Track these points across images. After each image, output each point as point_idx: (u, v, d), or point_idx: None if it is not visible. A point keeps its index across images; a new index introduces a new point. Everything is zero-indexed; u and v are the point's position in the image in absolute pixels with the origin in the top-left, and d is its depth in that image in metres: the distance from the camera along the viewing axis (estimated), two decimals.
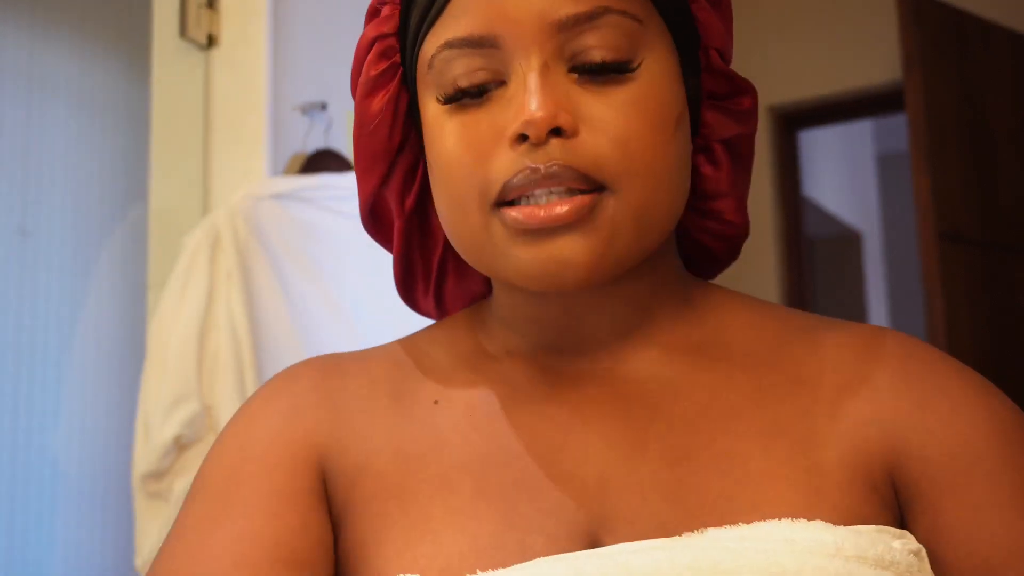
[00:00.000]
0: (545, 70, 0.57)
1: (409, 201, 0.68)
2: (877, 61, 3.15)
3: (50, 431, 1.92)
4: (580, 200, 0.56)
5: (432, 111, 0.61)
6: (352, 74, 0.67)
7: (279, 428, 0.63)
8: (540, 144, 0.56)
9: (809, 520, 0.54)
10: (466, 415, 0.64)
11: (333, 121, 1.95)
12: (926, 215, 2.55)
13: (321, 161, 1.89)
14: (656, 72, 0.59)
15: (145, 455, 1.60)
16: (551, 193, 0.56)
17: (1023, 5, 2.94)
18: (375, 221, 0.71)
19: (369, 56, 0.65)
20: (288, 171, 1.88)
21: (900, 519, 0.59)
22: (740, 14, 3.80)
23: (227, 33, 1.89)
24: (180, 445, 1.61)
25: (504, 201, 0.58)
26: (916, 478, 0.58)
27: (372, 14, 0.65)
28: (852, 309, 4.57)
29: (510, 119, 0.57)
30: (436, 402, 0.65)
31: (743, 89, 0.67)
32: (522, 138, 0.57)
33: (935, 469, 0.58)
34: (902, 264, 4.87)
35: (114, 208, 2.07)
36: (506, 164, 0.57)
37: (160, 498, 1.61)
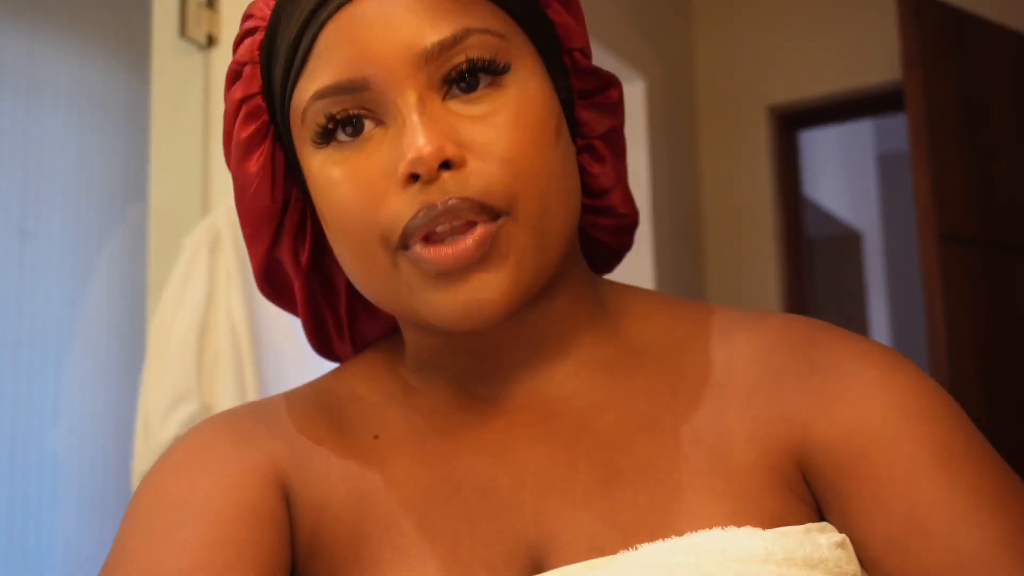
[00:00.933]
0: (422, 104, 0.56)
1: (304, 258, 0.67)
2: (877, 61, 3.15)
3: (50, 430, 1.92)
4: (482, 231, 0.56)
5: (314, 163, 0.60)
6: (224, 140, 0.66)
7: (230, 458, 0.60)
8: (432, 180, 0.55)
9: (738, 527, 0.55)
10: (406, 449, 0.64)
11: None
12: (926, 215, 2.55)
13: None
14: (527, 82, 0.59)
15: (145, 455, 1.60)
16: (453, 229, 0.56)
17: (1023, 5, 2.94)
18: (272, 286, 0.70)
19: (238, 120, 0.63)
20: None
21: (819, 512, 0.59)
22: (740, 13, 3.80)
23: (227, 33, 1.89)
24: None
25: (407, 244, 0.57)
26: (823, 468, 0.58)
27: (233, 77, 0.64)
28: (852, 309, 4.57)
29: (396, 159, 0.56)
30: (376, 437, 0.65)
31: (609, 82, 0.67)
32: (413, 177, 0.56)
33: (837, 456, 0.58)
34: (902, 264, 4.87)
35: (114, 208, 2.07)
36: (402, 206, 0.56)
37: None
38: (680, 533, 0.56)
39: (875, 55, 3.15)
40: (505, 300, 0.57)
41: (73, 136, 2.01)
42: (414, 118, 0.56)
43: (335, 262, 0.69)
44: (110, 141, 2.07)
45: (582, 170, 0.67)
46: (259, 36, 0.62)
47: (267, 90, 0.63)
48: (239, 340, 1.67)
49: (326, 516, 0.61)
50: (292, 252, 0.67)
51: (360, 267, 0.60)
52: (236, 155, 0.64)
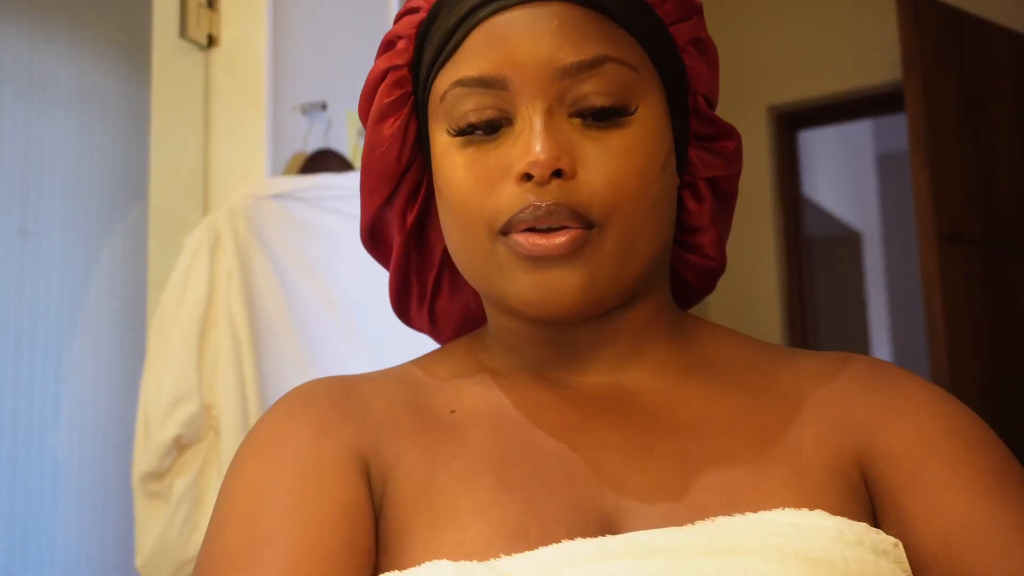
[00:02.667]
0: (549, 114, 0.63)
1: (410, 219, 0.73)
2: (877, 61, 3.15)
3: (50, 431, 1.92)
4: (574, 234, 0.62)
5: (442, 141, 0.66)
6: (362, 101, 0.73)
7: (317, 455, 0.64)
8: (543, 183, 0.62)
9: (798, 508, 0.59)
10: (483, 420, 0.68)
11: (333, 121, 1.95)
12: (925, 215, 2.55)
13: (321, 161, 1.89)
14: (648, 118, 0.65)
15: (145, 455, 1.60)
16: (550, 230, 0.62)
17: (1023, 5, 2.94)
18: (374, 240, 0.77)
19: (383, 85, 0.70)
20: (288, 171, 1.88)
21: (874, 518, 0.64)
22: (740, 13, 3.79)
23: (227, 33, 1.89)
24: (180, 445, 1.61)
25: (508, 231, 0.63)
26: (883, 474, 0.63)
27: (387, 46, 0.71)
28: (852, 309, 4.57)
29: (516, 157, 0.63)
30: (453, 411, 0.69)
31: (727, 133, 0.72)
32: (527, 177, 0.62)
33: (897, 463, 0.63)
34: (901, 264, 4.87)
35: (114, 208, 2.07)
36: (512, 199, 0.63)
37: (160, 498, 1.61)
38: (752, 512, 0.59)
39: (875, 55, 3.15)
40: (578, 296, 0.63)
41: (73, 136, 2.01)
42: (538, 125, 0.62)
43: (436, 232, 0.75)
44: (110, 141, 2.07)
45: (680, 205, 0.72)
46: (420, 16, 0.69)
47: (415, 65, 0.69)
48: (239, 340, 1.67)
49: (397, 474, 0.65)
50: (402, 212, 0.73)
51: (462, 242, 0.66)
52: (374, 117, 0.71)
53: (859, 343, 4.51)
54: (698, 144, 0.71)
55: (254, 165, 1.84)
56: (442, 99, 0.66)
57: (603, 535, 0.60)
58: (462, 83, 0.64)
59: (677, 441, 0.65)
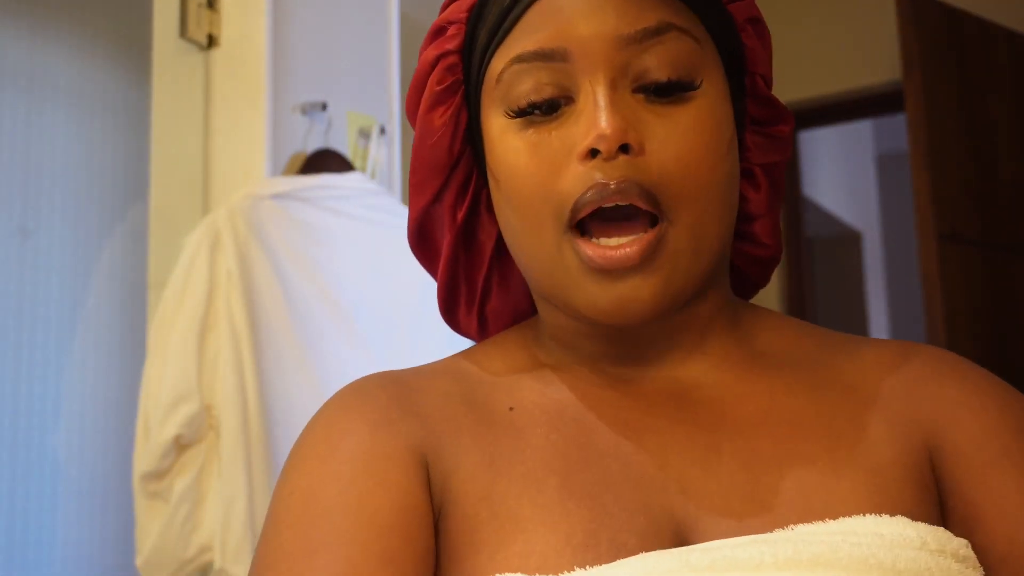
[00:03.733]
0: (613, 87, 0.60)
1: (460, 215, 0.70)
2: (877, 61, 3.15)
3: (50, 431, 1.92)
4: (646, 239, 0.59)
5: (499, 125, 0.63)
6: (411, 91, 0.69)
7: (374, 452, 0.62)
8: (610, 159, 0.58)
9: (879, 515, 0.57)
10: (542, 419, 0.65)
11: (333, 121, 1.95)
12: (925, 215, 2.55)
13: (321, 161, 1.89)
14: (712, 94, 0.62)
15: (145, 455, 1.60)
16: (616, 207, 0.59)
17: (1023, 5, 2.94)
18: (422, 240, 0.73)
19: (434, 72, 0.67)
20: (288, 171, 1.88)
21: (941, 515, 0.62)
22: None
23: (227, 33, 1.89)
24: (180, 445, 1.61)
25: (577, 221, 0.60)
26: (951, 471, 0.61)
27: (437, 33, 0.67)
28: (852, 309, 4.57)
29: (580, 135, 0.60)
30: (511, 408, 0.66)
31: (782, 116, 0.70)
32: (593, 153, 0.59)
33: (967, 460, 0.61)
34: (901, 264, 4.87)
35: (114, 208, 2.07)
36: (577, 179, 0.59)
37: (160, 498, 1.61)
38: (829, 519, 0.57)
39: (875, 55, 3.15)
40: (655, 302, 0.60)
41: (73, 136, 2.01)
42: (603, 99, 0.59)
43: (485, 231, 0.71)
44: (110, 141, 2.07)
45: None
46: (471, 1, 0.66)
47: (466, 50, 0.66)
48: (239, 340, 1.67)
49: (457, 478, 0.62)
50: (452, 207, 0.70)
51: (526, 238, 0.63)
52: (425, 105, 0.67)
53: None
54: (753, 129, 0.69)
55: (254, 165, 1.84)
56: (498, 80, 0.63)
57: (676, 544, 0.58)
58: (520, 59, 0.62)
59: (745, 440, 0.62)
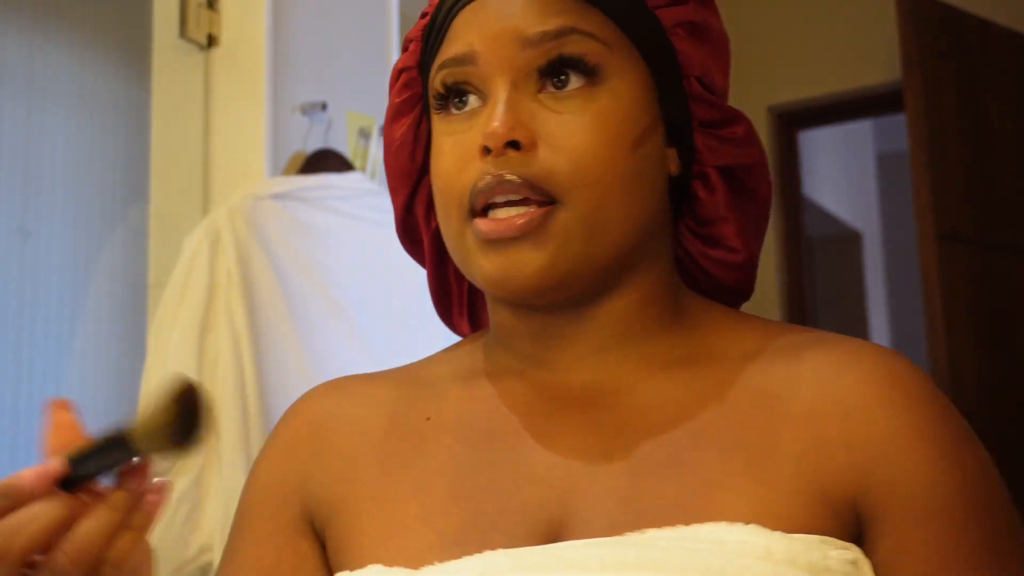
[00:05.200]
0: (513, 87, 0.64)
1: (434, 222, 0.73)
2: (877, 61, 3.15)
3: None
4: (532, 213, 0.62)
5: (436, 129, 0.68)
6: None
7: (274, 467, 0.74)
8: (500, 155, 0.63)
9: (746, 523, 0.58)
10: (452, 428, 0.70)
11: (333, 121, 1.95)
12: (925, 215, 2.55)
13: (321, 161, 1.90)
14: (620, 92, 0.65)
15: None
16: (509, 202, 0.63)
17: (1023, 5, 2.94)
18: (409, 237, 0.77)
19: (396, 86, 0.73)
20: (288, 171, 1.88)
21: (856, 537, 0.61)
22: (740, 14, 3.79)
23: (227, 33, 1.89)
24: None
25: (475, 210, 0.64)
26: (882, 503, 0.61)
27: (403, 49, 0.73)
28: (852, 309, 4.57)
29: (480, 134, 0.64)
30: (428, 419, 0.71)
31: (734, 118, 0.71)
32: (487, 150, 0.63)
33: (902, 501, 0.61)
34: (902, 264, 4.86)
35: (114, 208, 2.07)
36: (475, 173, 0.64)
37: None
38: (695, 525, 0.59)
39: (875, 55, 3.15)
40: (539, 274, 0.63)
41: (73, 136, 2.01)
42: (501, 98, 0.64)
43: None
44: (110, 141, 2.07)
45: (692, 196, 0.71)
46: (426, 20, 0.71)
47: (422, 66, 0.71)
48: (239, 340, 1.67)
49: (349, 481, 0.70)
50: (425, 214, 0.75)
51: (445, 228, 0.68)
52: (387, 117, 0.74)
53: None
54: (704, 131, 0.70)
55: (254, 165, 1.84)
56: (432, 87, 0.68)
57: (548, 543, 0.61)
58: (443, 66, 0.67)
59: (641, 447, 0.64)
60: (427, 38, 0.70)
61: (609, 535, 0.60)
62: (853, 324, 4.53)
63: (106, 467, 0.53)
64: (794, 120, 3.39)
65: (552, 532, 0.62)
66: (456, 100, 0.67)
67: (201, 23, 1.87)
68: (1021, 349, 2.67)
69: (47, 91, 1.97)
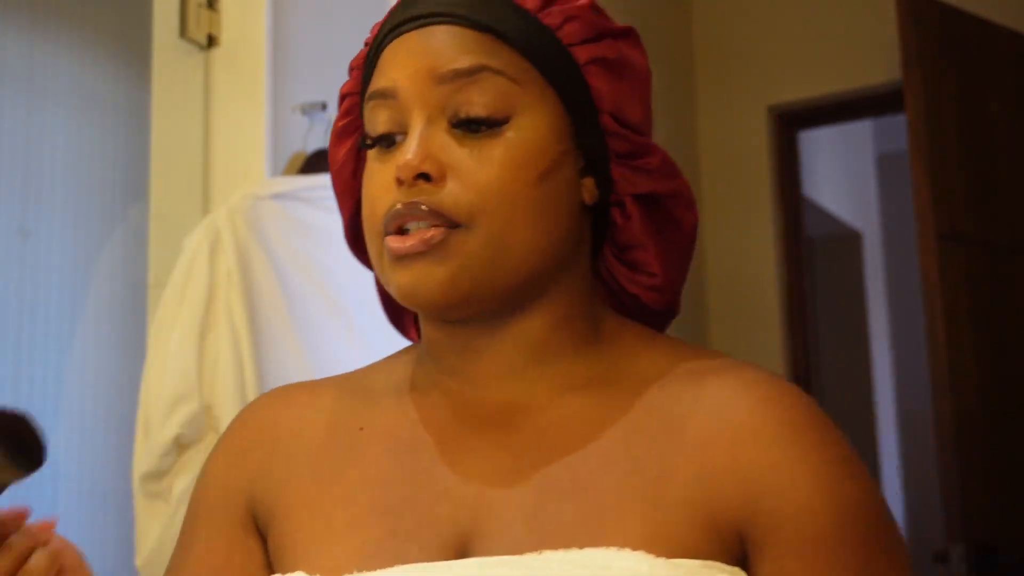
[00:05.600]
0: (428, 122, 0.69)
1: None
2: (877, 61, 3.15)
3: (50, 431, 1.92)
4: (429, 233, 0.67)
5: (368, 155, 0.73)
6: None
7: (222, 470, 0.79)
8: (411, 186, 0.68)
9: (634, 550, 0.62)
10: (382, 440, 0.74)
11: (333, 121, 1.95)
12: (925, 215, 2.55)
13: (321, 161, 1.89)
14: (529, 127, 0.69)
15: (145, 455, 1.60)
16: (417, 226, 0.68)
17: (1023, 5, 2.94)
18: (357, 244, 0.81)
19: (340, 111, 0.79)
20: (288, 171, 1.88)
21: (742, 560, 0.66)
22: (740, 14, 3.78)
23: (227, 33, 1.89)
24: (180, 445, 1.61)
25: (389, 232, 0.69)
26: (764, 531, 0.65)
27: (349, 74, 0.79)
28: (852, 309, 4.57)
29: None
30: (361, 429, 0.76)
31: (647, 150, 0.75)
32: (399, 181, 0.68)
33: (783, 529, 0.64)
34: (902, 264, 4.86)
35: (114, 208, 2.07)
36: (389, 201, 0.69)
37: (160, 498, 1.61)
38: (589, 548, 0.63)
39: (875, 55, 3.15)
40: (441, 289, 0.68)
41: (73, 136, 2.01)
42: (415, 133, 0.69)
43: None
44: (110, 141, 2.07)
45: (612, 222, 0.76)
46: (366, 49, 0.76)
47: (363, 93, 0.76)
48: (239, 340, 1.67)
49: (287, 488, 0.75)
50: None
51: (368, 248, 0.73)
52: (331, 139, 0.79)
53: (859, 343, 4.51)
54: (620, 162, 0.74)
55: (254, 165, 1.84)
56: (364, 116, 0.73)
57: (458, 558, 0.66)
58: (370, 96, 0.72)
59: (549, 467, 0.68)
60: (366, 67, 0.76)
61: (513, 553, 0.64)
62: (853, 324, 4.53)
63: None
64: (794, 120, 3.39)
65: (462, 547, 0.67)
66: (383, 142, 0.72)
67: (201, 23, 1.87)
68: (1021, 349, 2.67)
69: (47, 91, 1.97)
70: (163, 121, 1.91)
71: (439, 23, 0.70)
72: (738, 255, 3.27)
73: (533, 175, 0.69)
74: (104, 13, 2.10)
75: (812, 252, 4.00)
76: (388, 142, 0.71)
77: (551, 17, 0.71)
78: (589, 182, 0.74)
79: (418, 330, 0.81)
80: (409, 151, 0.68)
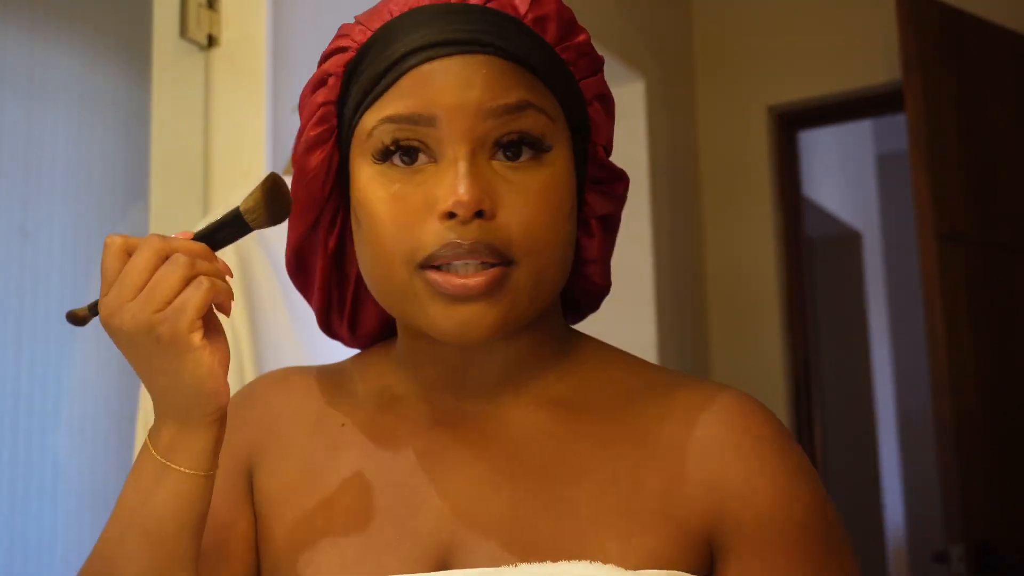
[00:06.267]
0: (473, 157, 0.67)
1: (332, 243, 0.78)
2: (877, 61, 3.15)
3: (50, 431, 1.92)
4: (492, 274, 0.67)
5: (366, 174, 0.71)
6: (298, 133, 0.78)
7: (228, 436, 0.77)
8: (466, 223, 0.66)
9: (606, 563, 0.64)
10: (361, 441, 0.76)
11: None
12: (925, 215, 2.55)
13: None
14: (561, 164, 0.71)
15: None
16: (467, 264, 0.67)
17: (1023, 5, 2.94)
18: (299, 265, 0.82)
19: (313, 119, 0.75)
20: (288, 171, 1.88)
21: (709, 565, 0.70)
22: (740, 14, 3.79)
23: (227, 33, 1.89)
24: None
25: (427, 265, 0.68)
26: (729, 536, 0.69)
27: (318, 83, 0.75)
28: (852, 309, 4.57)
29: (441, 196, 0.67)
30: (343, 425, 0.77)
31: (619, 176, 0.78)
32: (451, 215, 0.66)
33: (746, 534, 0.68)
34: (902, 264, 4.87)
35: (114, 208, 2.07)
36: (435, 236, 0.67)
37: None
38: (567, 560, 0.65)
39: (875, 55, 3.15)
40: (494, 328, 0.68)
41: (73, 136, 2.01)
42: (463, 166, 0.67)
43: (350, 257, 0.80)
44: (110, 141, 2.07)
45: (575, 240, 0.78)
46: (348, 56, 0.73)
47: (340, 101, 0.74)
48: (239, 340, 1.67)
49: (276, 477, 0.76)
50: (324, 235, 0.79)
51: (379, 271, 0.71)
52: (302, 147, 0.76)
53: (859, 343, 4.51)
54: (593, 187, 0.77)
55: (254, 165, 1.84)
56: (369, 135, 0.70)
57: (435, 569, 0.68)
58: (391, 120, 0.69)
59: (526, 480, 0.70)
60: (351, 77, 0.72)
61: (491, 566, 0.66)
62: (853, 324, 4.53)
63: (223, 239, 0.69)
64: (794, 120, 3.39)
65: (441, 559, 0.68)
66: (403, 155, 0.69)
67: (201, 23, 1.87)
68: (1021, 349, 2.67)
69: (47, 91, 1.97)
70: (163, 121, 1.91)
71: (479, 52, 0.68)
72: (738, 255, 3.27)
73: (565, 212, 0.71)
74: (104, 13, 2.10)
75: (812, 252, 4.00)
76: (408, 156, 0.69)
77: (568, 52, 0.72)
78: None
79: (351, 332, 0.84)
80: (461, 186, 0.66)
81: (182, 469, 0.68)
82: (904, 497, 4.59)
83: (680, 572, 0.66)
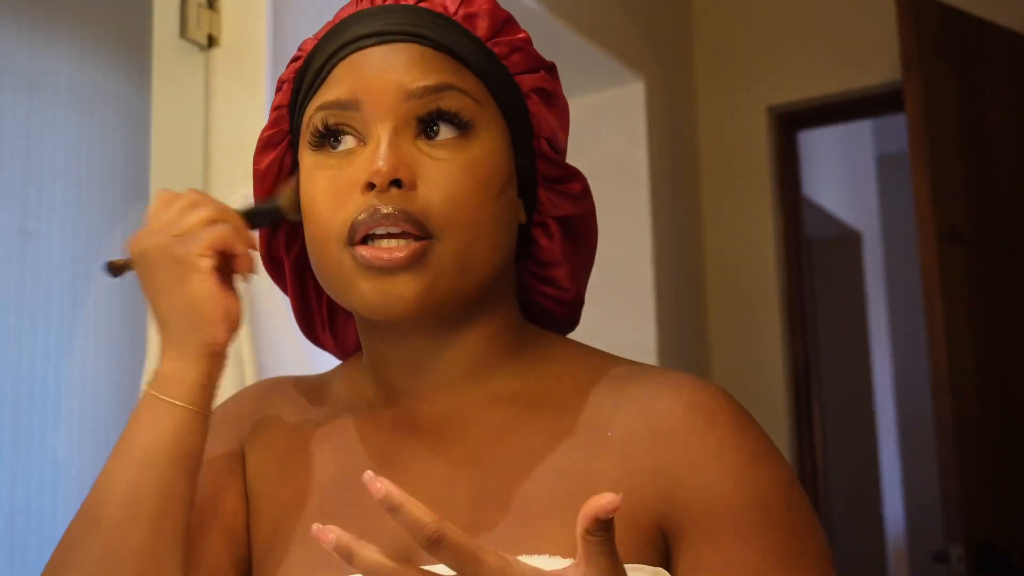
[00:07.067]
0: (395, 134, 0.71)
1: (295, 249, 0.82)
2: (877, 61, 3.15)
3: (50, 431, 1.92)
4: (414, 247, 0.69)
5: (307, 163, 0.75)
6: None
7: (221, 429, 0.83)
8: (383, 191, 0.69)
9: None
10: (333, 445, 0.79)
11: None
12: (925, 215, 2.55)
13: None
14: (488, 144, 0.73)
15: None
16: (389, 235, 0.69)
17: (1023, 5, 2.94)
18: (273, 263, 0.85)
19: (268, 123, 0.80)
20: None
21: (666, 556, 0.69)
22: (740, 14, 3.79)
23: (227, 33, 1.89)
24: None
25: (354, 240, 0.70)
26: (681, 523, 0.68)
27: (276, 90, 0.81)
28: (852, 309, 4.57)
29: (362, 171, 0.71)
30: (318, 426, 0.81)
31: (573, 176, 0.80)
32: (370, 186, 0.70)
33: (697, 519, 0.67)
34: (901, 264, 4.87)
35: (114, 208, 2.07)
36: (356, 206, 0.70)
37: None
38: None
39: (875, 55, 3.15)
40: (418, 301, 0.70)
41: (74, 136, 2.01)
42: (384, 142, 0.70)
43: None
44: (110, 141, 2.07)
45: (533, 241, 0.80)
46: (299, 64, 0.79)
47: (293, 105, 0.78)
48: (239, 340, 1.67)
49: (259, 479, 0.80)
50: (285, 242, 0.82)
51: (317, 255, 0.74)
52: (257, 148, 0.80)
53: (859, 343, 4.51)
54: (547, 186, 0.79)
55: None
56: (308, 125, 0.74)
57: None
58: (323, 107, 0.73)
59: (481, 478, 0.72)
60: (300, 80, 0.77)
61: None
62: (853, 324, 4.53)
63: (256, 222, 0.76)
64: (794, 120, 3.39)
65: (407, 555, 0.68)
66: (332, 140, 0.73)
67: (201, 23, 1.87)
68: (1021, 349, 2.67)
69: (47, 91, 1.97)
70: (163, 121, 1.91)
71: (403, 41, 0.73)
72: (738, 255, 3.27)
73: (493, 190, 0.72)
74: (104, 13, 2.10)
75: (812, 252, 4.00)
76: (336, 140, 0.73)
77: (500, 47, 0.75)
78: (520, 203, 0.78)
79: (334, 338, 0.87)
80: (380, 157, 0.69)
81: (173, 400, 0.72)
82: (904, 497, 4.59)
83: (636, 564, 0.66)
